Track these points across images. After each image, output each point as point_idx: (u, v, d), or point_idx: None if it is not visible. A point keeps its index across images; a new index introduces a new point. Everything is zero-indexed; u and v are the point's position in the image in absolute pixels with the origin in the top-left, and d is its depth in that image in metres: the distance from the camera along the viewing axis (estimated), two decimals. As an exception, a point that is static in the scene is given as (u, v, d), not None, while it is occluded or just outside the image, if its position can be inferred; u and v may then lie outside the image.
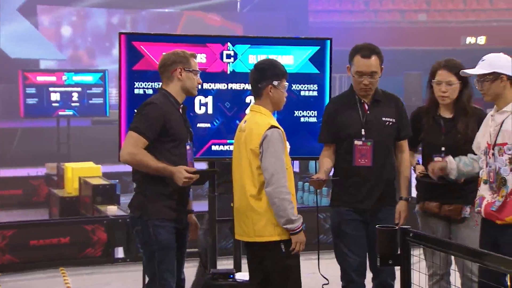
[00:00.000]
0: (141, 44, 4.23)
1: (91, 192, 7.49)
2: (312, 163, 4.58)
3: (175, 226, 3.53)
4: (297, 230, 3.40)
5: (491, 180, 3.38)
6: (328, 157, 3.85)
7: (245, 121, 3.57)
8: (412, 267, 2.62)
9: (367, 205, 3.78)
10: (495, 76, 3.37)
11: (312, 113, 4.44)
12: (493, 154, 3.38)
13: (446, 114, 3.88)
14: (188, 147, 3.60)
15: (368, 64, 3.74)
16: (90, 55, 19.01)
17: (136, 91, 4.23)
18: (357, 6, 22.75)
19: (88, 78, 12.47)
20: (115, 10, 19.40)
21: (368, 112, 3.81)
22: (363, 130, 3.78)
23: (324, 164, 3.82)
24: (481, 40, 21.94)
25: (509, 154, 3.33)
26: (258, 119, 3.48)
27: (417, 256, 2.82)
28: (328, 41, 4.43)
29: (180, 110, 3.61)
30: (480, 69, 3.40)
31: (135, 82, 4.23)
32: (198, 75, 3.66)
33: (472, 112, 3.82)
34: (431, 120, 3.89)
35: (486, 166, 3.43)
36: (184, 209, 3.61)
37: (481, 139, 3.52)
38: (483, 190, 3.43)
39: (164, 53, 3.75)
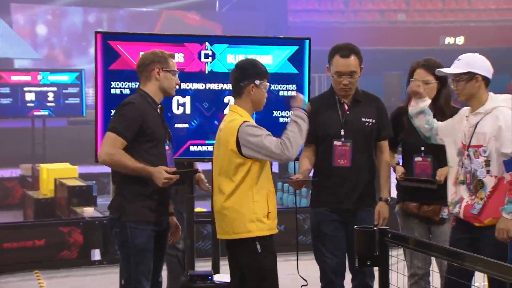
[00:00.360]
0: (117, 44, 4.21)
1: (67, 194, 7.42)
2: (291, 164, 4.57)
3: (154, 228, 3.51)
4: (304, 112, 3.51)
5: (467, 182, 3.41)
6: (308, 158, 3.86)
7: (224, 121, 3.58)
8: (390, 268, 2.64)
9: (346, 206, 3.79)
10: (471, 76, 3.40)
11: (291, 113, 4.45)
12: (468, 156, 3.41)
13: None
14: (167, 147, 3.59)
15: (347, 64, 3.76)
16: (66, 54, 18.85)
17: (112, 91, 4.21)
18: (337, 6, 22.86)
19: (64, 78, 12.37)
20: (91, 8, 19.26)
21: (347, 112, 3.82)
22: (342, 130, 3.79)
23: (304, 165, 3.83)
24: (460, 40, 22.19)
25: (484, 157, 3.36)
26: (233, 118, 3.49)
27: (396, 257, 2.84)
28: (307, 41, 4.44)
29: (158, 110, 3.60)
30: (456, 68, 3.43)
31: (112, 82, 4.20)
32: (177, 75, 3.66)
33: (450, 112, 3.85)
34: (410, 119, 3.92)
35: (462, 167, 3.46)
36: (164, 211, 3.60)
37: (455, 137, 3.53)
38: (462, 191, 3.45)
39: (142, 53, 3.73)
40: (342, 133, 3.79)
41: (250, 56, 4.29)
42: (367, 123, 3.82)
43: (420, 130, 3.68)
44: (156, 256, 3.55)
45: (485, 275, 2.52)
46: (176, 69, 3.65)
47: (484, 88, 3.44)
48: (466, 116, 3.48)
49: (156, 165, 3.44)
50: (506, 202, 3.33)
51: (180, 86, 3.97)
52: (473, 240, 3.40)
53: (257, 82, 3.51)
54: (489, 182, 3.35)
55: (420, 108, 3.63)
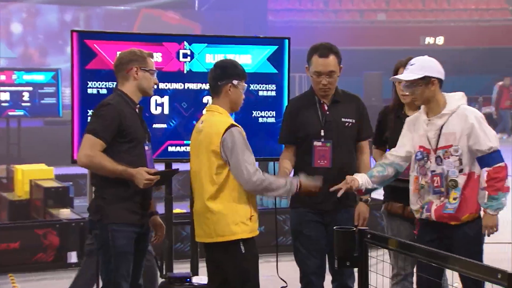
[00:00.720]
0: (94, 43, 4.19)
1: (42, 195, 7.35)
2: (271, 164, 4.59)
3: (135, 230, 3.49)
4: (298, 190, 3.49)
5: (436, 185, 3.44)
6: (288, 159, 3.87)
7: (202, 121, 3.56)
8: (370, 269, 2.65)
9: (326, 207, 3.81)
10: (427, 80, 3.44)
11: (271, 113, 4.46)
12: (438, 157, 3.45)
13: (411, 112, 3.92)
14: (146, 147, 3.57)
15: (325, 64, 3.77)
16: (41, 53, 18.65)
17: (89, 90, 4.18)
18: (317, 6, 22.94)
19: (39, 77, 12.24)
20: (67, 7, 19.08)
21: (327, 112, 3.83)
22: (322, 131, 3.80)
23: (284, 166, 3.83)
24: (440, 40, 22.40)
25: (456, 155, 3.41)
26: (215, 119, 3.47)
27: (376, 258, 2.86)
28: (286, 41, 4.46)
29: (137, 110, 3.58)
30: (412, 74, 3.45)
31: (88, 82, 4.18)
32: (155, 75, 3.64)
33: None
34: (396, 119, 3.94)
35: (424, 173, 3.49)
36: (145, 212, 3.58)
37: (410, 143, 3.57)
38: (428, 196, 3.49)
39: (120, 52, 3.71)
40: (322, 133, 3.80)
41: (229, 56, 4.29)
42: (347, 123, 3.84)
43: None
44: (136, 259, 3.53)
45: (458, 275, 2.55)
46: (154, 69, 3.64)
47: (439, 89, 3.50)
48: (429, 120, 3.51)
49: (136, 166, 3.42)
50: (488, 199, 3.39)
51: (158, 86, 3.96)
52: (443, 239, 3.45)
53: (235, 82, 3.50)
54: (461, 180, 3.43)
55: (376, 186, 3.65)
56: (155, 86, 3.72)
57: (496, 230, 3.47)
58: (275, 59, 4.44)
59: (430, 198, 3.48)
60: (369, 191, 3.64)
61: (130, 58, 3.56)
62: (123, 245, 3.43)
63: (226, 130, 3.39)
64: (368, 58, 19.47)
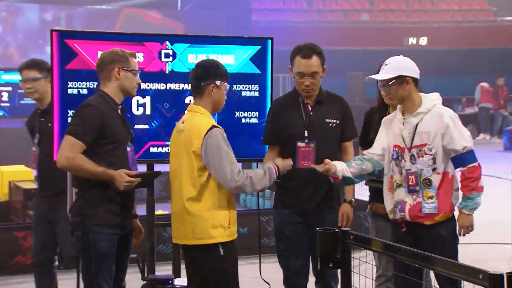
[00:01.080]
0: (74, 42, 4.16)
1: (22, 197, 7.29)
2: (254, 165, 4.59)
3: (118, 232, 3.48)
4: (277, 175, 3.50)
5: (410, 184, 3.47)
6: (272, 160, 3.86)
7: (183, 121, 3.54)
8: (353, 270, 2.66)
9: (309, 208, 3.82)
10: (401, 79, 3.48)
11: (254, 114, 4.46)
12: (412, 156, 3.48)
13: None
14: (129, 149, 3.56)
15: (308, 65, 3.77)
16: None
17: (69, 91, 4.16)
18: (300, 5, 23.00)
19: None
20: (48, 5, 18.95)
21: (311, 113, 3.84)
22: (306, 131, 3.81)
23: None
24: (423, 41, 22.56)
25: (430, 154, 3.44)
26: (197, 120, 3.46)
27: (358, 259, 2.87)
28: (269, 41, 4.46)
29: (119, 111, 3.56)
30: (386, 74, 3.51)
31: (69, 82, 4.15)
32: (138, 75, 3.62)
33: None
34: (380, 120, 3.95)
35: (400, 171, 3.51)
36: (128, 214, 3.57)
37: (386, 142, 3.60)
38: (401, 195, 3.51)
39: (102, 52, 3.69)
40: (306, 134, 3.81)
41: (211, 56, 4.29)
42: (330, 124, 3.85)
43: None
44: (119, 261, 3.52)
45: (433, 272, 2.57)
46: (137, 69, 3.62)
47: (415, 89, 3.55)
48: (404, 118, 3.53)
49: (118, 168, 3.41)
50: (463, 199, 3.43)
51: (140, 86, 3.94)
52: (416, 240, 3.47)
53: (218, 82, 3.50)
54: (436, 179, 3.46)
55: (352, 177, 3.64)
56: (138, 87, 3.71)
57: (472, 230, 3.52)
58: (258, 59, 4.44)
59: (402, 197, 3.51)
60: (346, 181, 3.61)
61: (112, 58, 3.54)
62: (105, 247, 3.41)
63: (207, 131, 3.38)
64: (351, 58, 19.55)
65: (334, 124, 3.86)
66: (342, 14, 23.23)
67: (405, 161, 3.50)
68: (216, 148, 3.36)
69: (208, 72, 3.51)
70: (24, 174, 8.03)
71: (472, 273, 2.10)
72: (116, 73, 3.53)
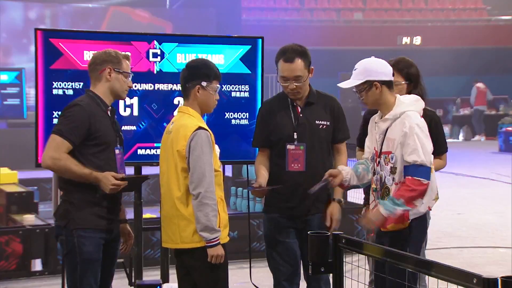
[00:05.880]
0: (59, 41, 4.15)
1: (5, 201, 7.25)
2: (245, 167, 4.59)
3: (103, 236, 3.46)
4: (214, 243, 3.33)
5: (378, 188, 3.46)
6: (263, 164, 3.85)
7: (173, 122, 3.54)
8: (345, 275, 2.67)
9: (300, 211, 3.81)
10: (369, 84, 3.44)
11: (244, 115, 4.46)
12: (379, 162, 3.47)
13: None
14: (117, 151, 3.53)
15: (291, 69, 3.73)
16: (5, 52, 18.40)
17: (54, 91, 4.14)
18: (292, 4, 23.04)
19: (3, 77, 12.10)
20: (32, 3, 18.87)
21: (300, 115, 3.83)
22: (295, 133, 3.81)
23: (261, 172, 3.81)
24: (417, 40, 22.65)
25: (392, 163, 3.40)
26: (185, 121, 3.45)
27: (351, 263, 2.87)
28: (260, 40, 4.47)
29: (109, 113, 3.54)
30: (354, 80, 3.46)
31: (54, 82, 4.14)
32: (130, 78, 3.59)
33: (423, 114, 3.87)
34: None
35: (374, 174, 3.51)
36: (115, 218, 3.55)
37: (370, 144, 3.60)
38: (376, 199, 3.51)
39: (95, 52, 3.67)
40: (295, 136, 3.80)
41: (201, 56, 4.28)
42: (320, 126, 3.83)
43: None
44: (105, 266, 3.49)
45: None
46: (130, 71, 3.59)
47: (388, 91, 3.47)
48: (376, 122, 3.53)
49: (105, 170, 3.39)
50: (389, 198, 3.36)
51: (128, 88, 3.92)
52: (380, 244, 3.46)
53: (204, 83, 3.46)
54: (394, 189, 3.39)
55: (359, 184, 3.61)
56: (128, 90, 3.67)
57: (372, 228, 3.42)
58: (249, 59, 4.45)
59: (376, 201, 3.51)
60: (352, 187, 3.62)
61: (104, 58, 3.52)
62: (90, 252, 3.39)
63: (193, 132, 3.37)
64: (344, 58, 19.58)
65: (324, 126, 3.84)
66: (335, 13, 23.30)
67: (376, 164, 3.49)
68: (196, 150, 3.33)
69: (193, 73, 3.48)
70: (8, 177, 7.98)
71: (466, 277, 2.11)
72: (107, 74, 3.51)
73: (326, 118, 3.85)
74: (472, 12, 24.05)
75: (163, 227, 3.53)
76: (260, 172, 3.81)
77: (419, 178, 3.30)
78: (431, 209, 3.56)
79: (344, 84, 3.52)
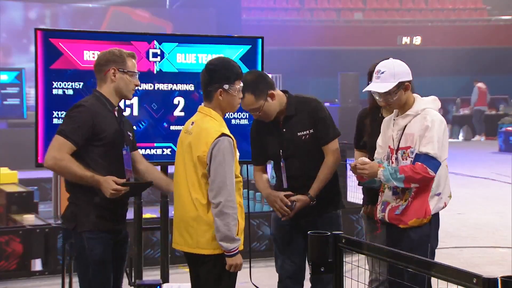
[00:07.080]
0: (59, 41, 4.15)
1: (5, 201, 7.25)
2: (245, 167, 4.59)
3: (112, 237, 3.44)
4: (234, 252, 3.27)
5: (394, 185, 3.46)
6: (262, 178, 3.96)
7: (193, 123, 3.41)
8: (345, 275, 2.67)
9: (304, 211, 3.81)
10: (401, 85, 3.46)
11: (244, 115, 4.47)
12: (396, 159, 3.48)
13: (388, 115, 3.92)
14: (124, 152, 3.47)
15: (244, 105, 3.74)
16: (5, 52, 18.40)
17: (54, 91, 4.14)
18: (292, 4, 23.04)
19: (3, 77, 12.10)
20: (32, 3, 18.88)
21: (284, 129, 3.85)
22: (281, 151, 3.83)
23: (264, 185, 3.93)
24: (417, 40, 22.65)
25: (411, 158, 3.42)
26: (207, 125, 3.34)
27: (351, 263, 2.87)
28: (260, 40, 4.47)
29: (116, 113, 3.50)
30: (385, 83, 3.44)
31: (53, 82, 4.14)
32: (136, 76, 3.53)
33: None
34: (373, 122, 3.95)
35: None
36: (122, 219, 3.53)
37: (383, 144, 3.61)
38: (387, 196, 3.52)
39: (100, 52, 3.63)
40: (281, 153, 3.83)
41: (200, 56, 4.28)
42: (303, 137, 3.82)
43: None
44: (115, 266, 3.48)
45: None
46: (135, 70, 3.53)
47: (409, 91, 3.51)
48: (394, 119, 3.54)
49: (111, 171, 3.35)
50: (393, 169, 3.38)
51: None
52: (393, 242, 3.47)
53: (226, 86, 3.35)
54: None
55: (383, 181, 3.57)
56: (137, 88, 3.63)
57: (360, 176, 3.47)
58: (249, 59, 4.45)
59: (387, 198, 3.52)
60: (370, 182, 3.59)
61: (108, 58, 3.47)
62: (100, 253, 3.37)
63: (216, 139, 3.26)
64: (344, 58, 19.58)
65: (307, 136, 3.82)
66: (335, 13, 23.29)
67: (392, 162, 3.51)
68: (218, 158, 3.24)
69: (214, 77, 3.36)
70: (8, 177, 7.99)
71: (466, 277, 2.11)
72: (111, 74, 3.46)
73: (306, 127, 3.82)
74: (472, 12, 24.05)
75: (177, 229, 3.42)
76: (264, 187, 3.93)
77: (428, 167, 3.34)
78: (446, 206, 3.58)
79: (378, 88, 3.46)
